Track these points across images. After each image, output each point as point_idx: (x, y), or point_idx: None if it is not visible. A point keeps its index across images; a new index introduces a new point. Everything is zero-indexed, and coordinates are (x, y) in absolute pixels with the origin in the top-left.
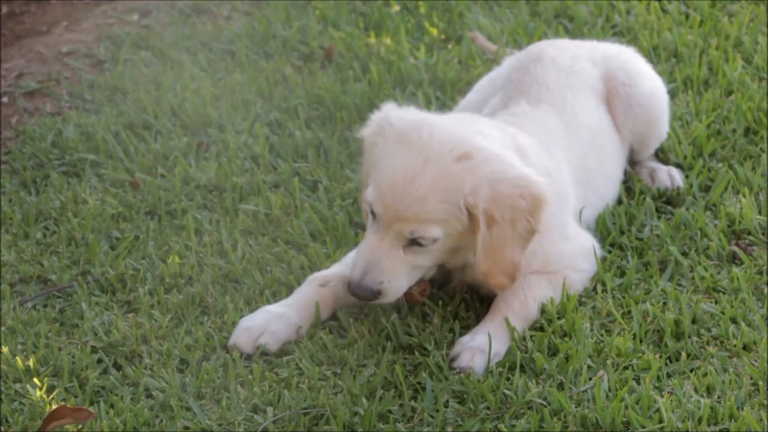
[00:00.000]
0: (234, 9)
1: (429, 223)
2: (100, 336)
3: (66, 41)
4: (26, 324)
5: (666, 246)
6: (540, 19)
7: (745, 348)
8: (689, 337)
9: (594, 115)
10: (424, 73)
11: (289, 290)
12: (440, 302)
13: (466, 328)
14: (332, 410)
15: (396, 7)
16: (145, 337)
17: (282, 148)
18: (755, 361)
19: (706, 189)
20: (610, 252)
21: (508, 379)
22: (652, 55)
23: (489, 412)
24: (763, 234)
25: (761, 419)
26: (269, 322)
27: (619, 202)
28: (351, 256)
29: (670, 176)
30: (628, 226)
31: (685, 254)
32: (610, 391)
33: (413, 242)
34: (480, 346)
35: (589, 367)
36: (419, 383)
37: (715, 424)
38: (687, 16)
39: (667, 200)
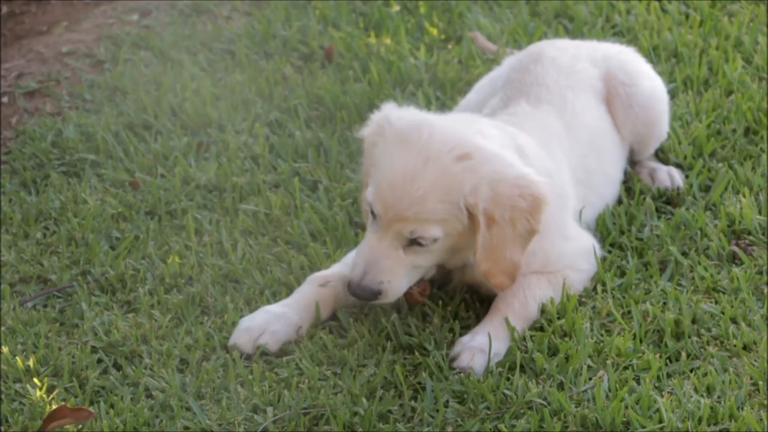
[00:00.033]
0: (234, 9)
1: (429, 223)
2: (100, 336)
3: (66, 41)
4: (26, 324)
5: (666, 246)
6: (540, 19)
7: (745, 348)
8: (689, 337)
9: (594, 115)
10: (424, 73)
11: (289, 290)
12: (440, 302)
13: (466, 328)
14: (332, 410)
15: (396, 7)
16: (145, 337)
17: (282, 148)
18: (755, 361)
19: (706, 189)
20: (610, 252)
21: (508, 379)
22: (652, 55)
23: (489, 412)
24: (763, 234)
25: (761, 419)
26: (269, 322)
27: (619, 202)
28: (351, 256)
29: (670, 176)
30: (628, 226)
31: (685, 254)
32: (610, 391)
33: (413, 242)
34: (480, 346)
35: (589, 367)
36: (419, 383)
37: (715, 424)
38: (687, 16)
39: (667, 200)
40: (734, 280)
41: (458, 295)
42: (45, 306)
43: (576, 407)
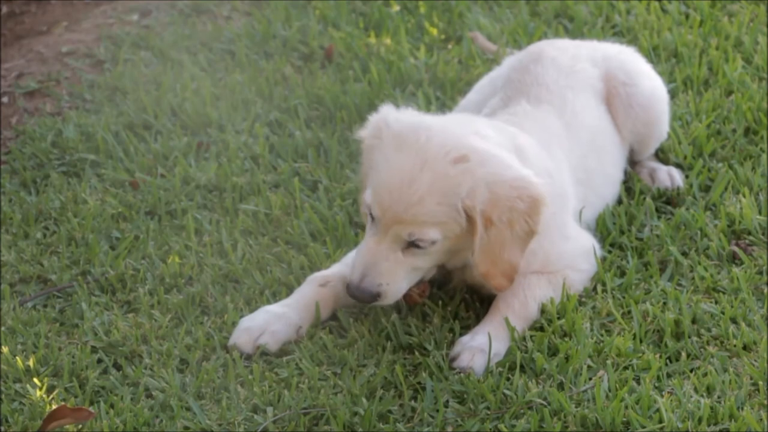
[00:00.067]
0: (234, 9)
1: (427, 225)
2: (100, 336)
3: (66, 41)
4: (26, 324)
5: (666, 246)
6: (540, 19)
7: (745, 348)
8: (689, 337)
9: (594, 115)
10: (424, 73)
11: (289, 290)
12: (440, 302)
13: (466, 328)
14: (332, 410)
15: (396, 7)
16: (145, 337)
17: (282, 148)
18: (755, 361)
19: (706, 189)
20: (610, 252)
21: (508, 379)
22: (652, 55)
23: (489, 412)
24: (763, 234)
25: (761, 419)
26: (269, 322)
27: (619, 202)
28: (351, 256)
29: (670, 176)
30: (628, 226)
31: (685, 254)
32: (610, 391)
33: (412, 244)
34: (480, 346)
35: (589, 367)
36: (419, 383)
37: (715, 424)
38: (687, 16)
39: (667, 200)
40: (734, 280)
41: (458, 295)
42: (45, 306)
43: (576, 407)
